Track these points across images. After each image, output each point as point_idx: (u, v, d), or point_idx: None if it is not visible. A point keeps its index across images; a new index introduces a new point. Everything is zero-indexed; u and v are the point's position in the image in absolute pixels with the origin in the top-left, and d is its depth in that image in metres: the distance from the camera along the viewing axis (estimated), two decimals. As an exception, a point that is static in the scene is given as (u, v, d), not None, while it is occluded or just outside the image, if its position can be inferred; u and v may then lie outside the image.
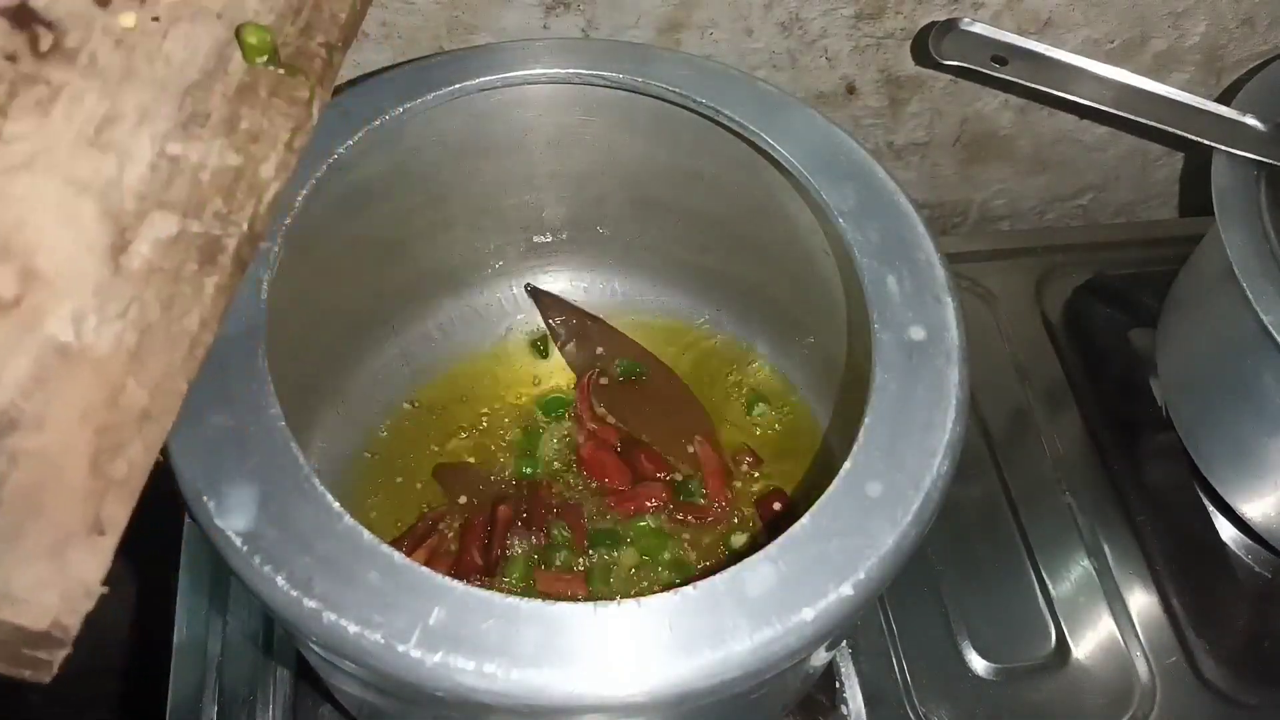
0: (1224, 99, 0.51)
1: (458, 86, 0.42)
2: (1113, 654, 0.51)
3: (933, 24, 0.55)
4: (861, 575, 0.31)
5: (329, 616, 0.29)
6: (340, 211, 0.43)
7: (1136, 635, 0.52)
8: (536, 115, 0.46)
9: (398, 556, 0.30)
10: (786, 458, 0.51)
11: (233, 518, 0.31)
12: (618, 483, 0.50)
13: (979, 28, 0.53)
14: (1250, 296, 0.44)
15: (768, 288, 0.51)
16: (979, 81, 0.61)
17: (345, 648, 0.29)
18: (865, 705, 0.48)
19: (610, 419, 0.52)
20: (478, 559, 0.47)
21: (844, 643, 0.50)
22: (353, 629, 0.29)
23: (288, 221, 0.37)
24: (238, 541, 0.30)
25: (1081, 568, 0.54)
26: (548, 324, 0.54)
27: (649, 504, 0.49)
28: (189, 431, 0.32)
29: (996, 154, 0.67)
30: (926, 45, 0.53)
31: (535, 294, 0.55)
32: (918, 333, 0.36)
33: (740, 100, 0.42)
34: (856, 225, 0.39)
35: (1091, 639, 0.51)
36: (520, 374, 0.54)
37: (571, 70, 0.43)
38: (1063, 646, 0.51)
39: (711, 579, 0.30)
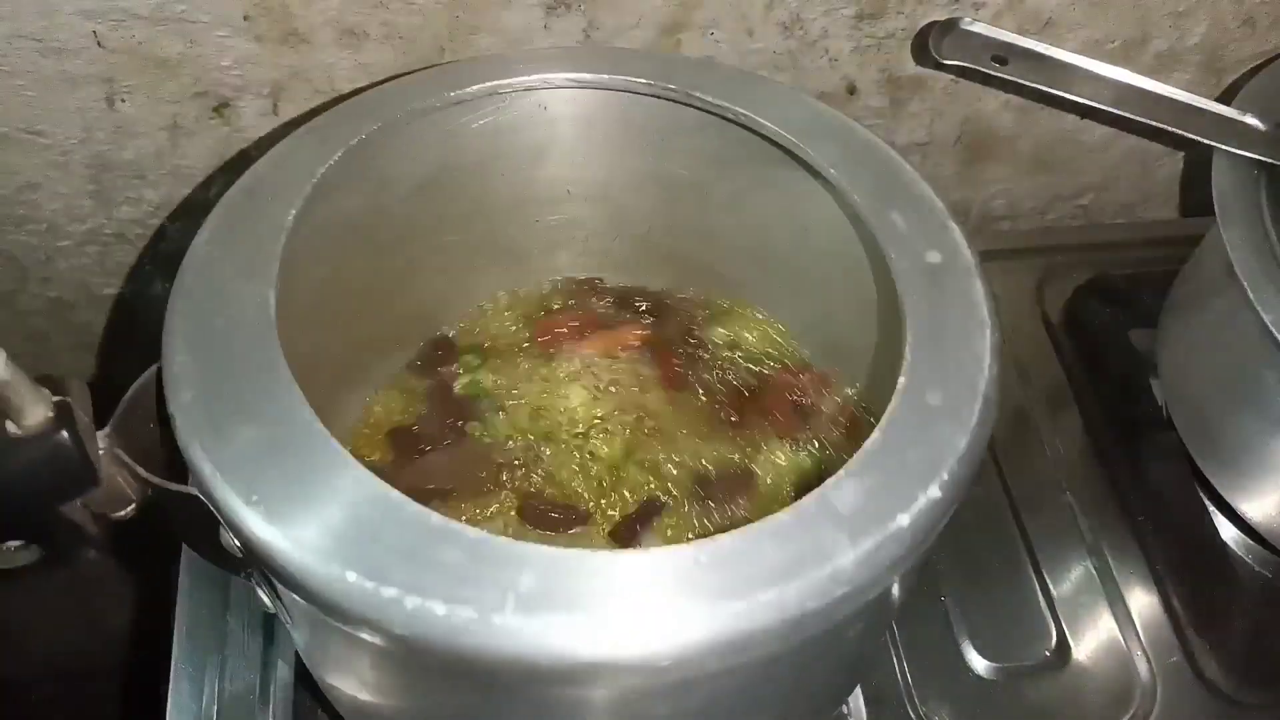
0: (1224, 99, 0.51)
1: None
2: (1113, 654, 0.51)
3: (933, 24, 0.55)
4: (945, 476, 0.31)
5: (413, 601, 0.28)
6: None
7: (1137, 635, 0.52)
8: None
9: (472, 532, 0.29)
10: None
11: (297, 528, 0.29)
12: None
13: (979, 27, 0.53)
14: (1251, 296, 0.44)
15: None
16: (979, 81, 0.61)
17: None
18: (865, 705, 0.48)
19: None
20: None
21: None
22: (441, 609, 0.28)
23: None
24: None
25: (1081, 568, 0.54)
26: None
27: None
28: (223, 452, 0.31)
29: (997, 154, 0.67)
30: (927, 45, 0.53)
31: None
32: (934, 256, 0.37)
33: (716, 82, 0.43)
34: (849, 176, 0.39)
35: (1092, 639, 0.51)
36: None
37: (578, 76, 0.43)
38: (1063, 646, 0.51)
39: (799, 502, 0.30)
